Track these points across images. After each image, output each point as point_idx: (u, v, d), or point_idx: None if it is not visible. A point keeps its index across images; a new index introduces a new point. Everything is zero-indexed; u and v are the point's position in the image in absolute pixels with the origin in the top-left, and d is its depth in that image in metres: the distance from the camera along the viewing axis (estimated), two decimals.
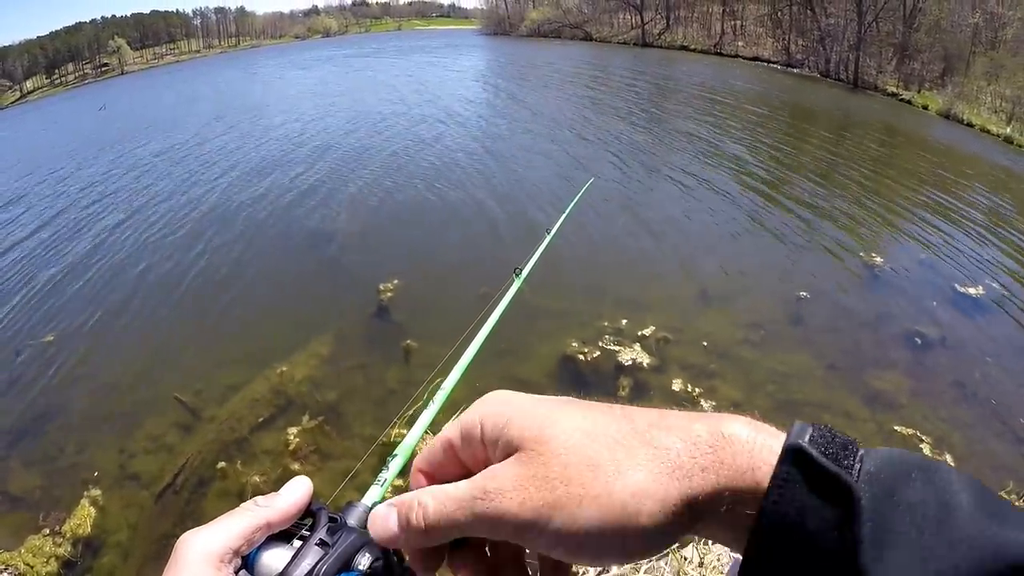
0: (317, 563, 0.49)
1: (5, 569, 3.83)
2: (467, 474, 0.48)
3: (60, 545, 4.01)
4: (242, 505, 0.52)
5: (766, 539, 0.38)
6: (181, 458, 4.61)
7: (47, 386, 5.90)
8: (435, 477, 0.52)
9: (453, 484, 0.46)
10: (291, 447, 4.58)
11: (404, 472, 0.65)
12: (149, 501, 4.32)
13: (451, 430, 0.50)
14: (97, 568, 3.90)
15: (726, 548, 0.41)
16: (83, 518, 4.20)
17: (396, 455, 0.77)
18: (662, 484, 0.40)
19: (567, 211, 2.84)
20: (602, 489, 0.40)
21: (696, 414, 0.44)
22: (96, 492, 4.43)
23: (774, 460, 0.39)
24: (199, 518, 3.95)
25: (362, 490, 0.67)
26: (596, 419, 0.44)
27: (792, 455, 0.38)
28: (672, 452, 0.41)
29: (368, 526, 0.50)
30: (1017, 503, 4.09)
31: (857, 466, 0.38)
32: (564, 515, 0.40)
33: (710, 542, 2.75)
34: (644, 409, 0.45)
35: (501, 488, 0.42)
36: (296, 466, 4.39)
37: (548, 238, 2.22)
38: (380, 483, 0.69)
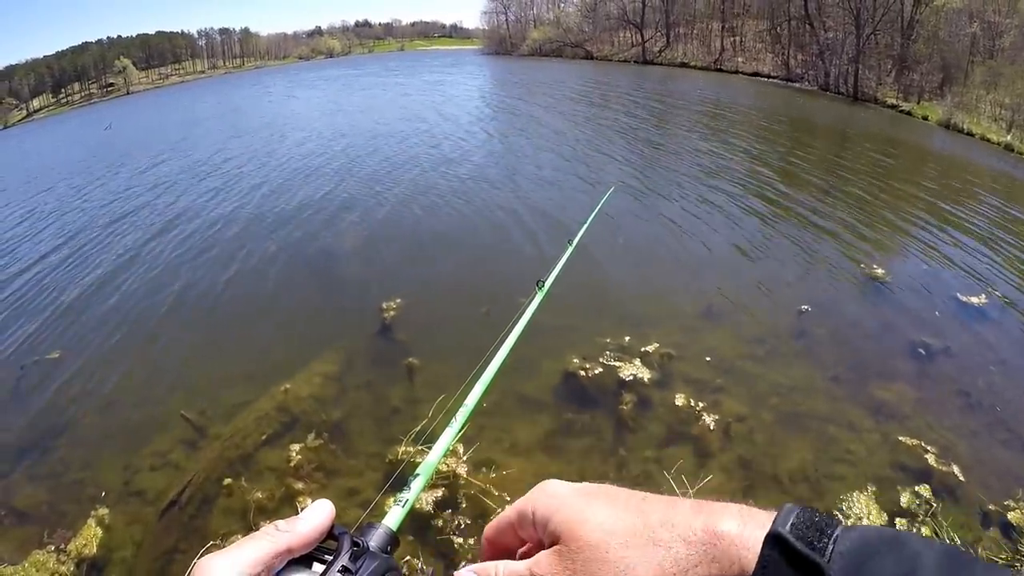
0: None
1: None
2: (522, 543, 0.60)
3: (64, 561, 3.98)
4: (262, 529, 0.52)
5: None
6: (186, 475, 4.59)
7: (52, 402, 5.90)
8: (495, 544, 0.62)
9: (517, 562, 0.56)
10: (296, 465, 4.56)
11: (423, 490, 0.66)
12: (154, 518, 4.30)
13: (511, 512, 0.59)
14: None
15: None
16: (87, 534, 4.18)
17: (418, 475, 0.76)
18: None
19: (588, 221, 2.83)
20: None
21: (699, 506, 0.51)
22: (101, 508, 4.40)
23: (759, 548, 0.45)
24: (204, 535, 3.95)
25: (367, 505, 0.67)
26: (617, 516, 0.52)
27: (772, 541, 0.44)
28: (672, 551, 0.48)
29: None
30: None
31: (831, 547, 0.43)
32: None
33: None
34: (658, 500, 0.53)
35: (543, 575, 0.52)
36: (300, 484, 4.37)
37: (570, 249, 2.20)
38: (401, 503, 0.70)
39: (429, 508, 4.02)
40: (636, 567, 0.48)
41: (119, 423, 5.48)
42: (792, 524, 0.45)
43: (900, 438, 4.71)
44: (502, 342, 1.29)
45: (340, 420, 5.08)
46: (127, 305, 7.81)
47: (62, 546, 4.10)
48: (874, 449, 4.66)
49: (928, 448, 4.59)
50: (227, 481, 4.48)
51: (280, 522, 0.53)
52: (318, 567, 0.52)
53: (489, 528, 0.62)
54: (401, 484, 0.74)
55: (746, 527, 0.47)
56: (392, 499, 0.70)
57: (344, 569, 0.51)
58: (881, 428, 4.88)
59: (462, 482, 4.24)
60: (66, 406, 5.81)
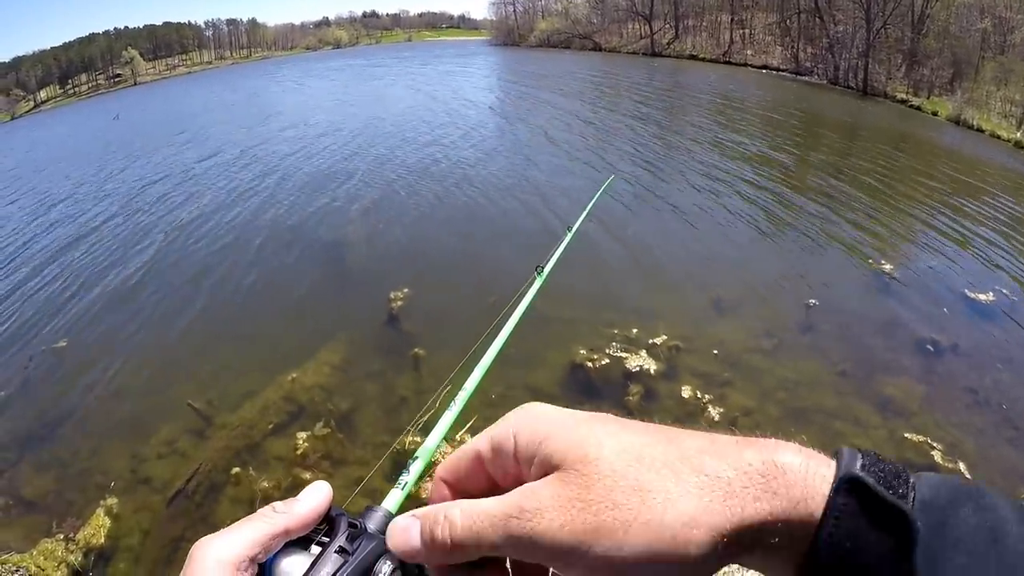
0: (336, 571, 0.48)
1: (17, 571, 3.84)
2: (493, 489, 0.47)
3: (71, 549, 4.02)
4: (259, 511, 0.50)
5: (821, 570, 0.38)
6: (193, 464, 4.62)
7: (60, 391, 5.95)
8: (458, 489, 0.50)
9: (485, 500, 0.44)
10: (303, 454, 4.59)
11: (424, 476, 0.64)
12: (161, 506, 4.33)
13: (480, 441, 0.48)
14: (107, 571, 3.91)
15: None
16: (95, 523, 4.21)
17: (417, 458, 0.75)
18: (714, 513, 0.39)
19: (588, 208, 2.84)
20: (651, 516, 0.39)
21: (746, 440, 0.43)
22: (108, 497, 4.44)
23: (827, 489, 0.39)
24: (211, 523, 3.98)
25: (374, 495, 0.67)
26: (643, 441, 0.42)
27: (849, 485, 0.38)
28: (723, 480, 0.40)
29: (387, 538, 0.49)
30: None
31: (912, 495, 0.38)
32: (609, 542, 0.39)
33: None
34: (692, 432, 0.44)
35: (540, 508, 0.40)
36: (308, 474, 4.39)
37: (569, 235, 2.22)
38: (401, 486, 0.67)
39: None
40: (679, 498, 0.39)
41: (126, 412, 5.51)
42: (863, 466, 0.39)
43: (906, 434, 4.71)
44: (501, 326, 1.28)
45: (347, 410, 5.10)
46: (134, 295, 7.84)
47: (70, 535, 4.13)
48: (880, 445, 4.65)
49: (934, 445, 4.59)
50: (234, 470, 4.51)
51: (277, 503, 0.51)
52: (315, 549, 0.52)
53: (442, 468, 0.51)
54: (401, 468, 0.74)
55: (811, 462, 0.40)
56: (392, 483, 0.69)
57: (341, 549, 0.50)
58: (888, 424, 4.88)
59: None
60: (73, 395, 5.85)
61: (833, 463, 0.40)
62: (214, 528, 0.49)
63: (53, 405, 5.74)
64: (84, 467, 4.86)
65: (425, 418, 4.55)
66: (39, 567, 3.88)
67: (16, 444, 5.28)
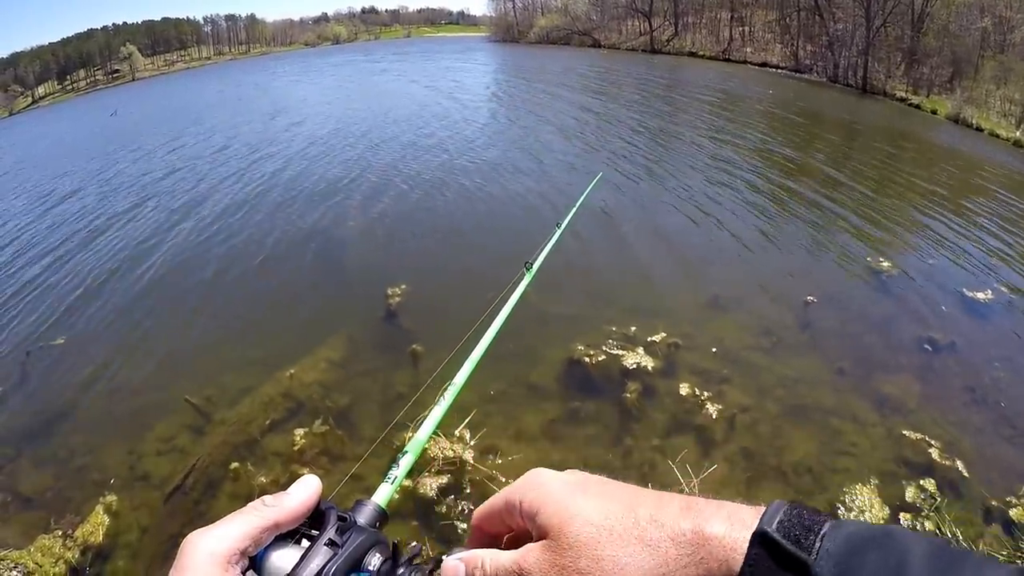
0: (326, 564, 0.49)
1: (15, 567, 3.84)
2: (510, 530, 0.59)
3: (69, 545, 4.01)
4: (250, 505, 0.52)
5: None
6: (191, 460, 4.62)
7: (57, 388, 5.94)
8: (484, 530, 0.61)
9: (506, 552, 0.54)
10: (300, 449, 4.59)
11: (413, 471, 0.65)
12: (159, 502, 4.33)
13: (500, 499, 0.59)
14: (106, 568, 3.91)
15: None
16: (93, 519, 4.21)
17: (407, 452, 0.76)
18: None
19: (577, 205, 2.85)
20: None
21: (687, 508, 0.50)
22: (106, 493, 4.43)
23: (746, 548, 0.45)
24: (209, 519, 3.91)
25: (369, 491, 0.67)
26: (607, 511, 0.51)
27: (759, 540, 0.45)
28: (661, 551, 0.48)
29: (440, 572, 0.56)
30: None
31: (818, 545, 0.43)
32: None
33: None
34: (650, 495, 0.53)
35: (531, 568, 0.51)
36: (305, 470, 4.39)
37: (559, 232, 2.23)
38: (390, 480, 0.70)
39: (433, 494, 4.05)
40: (625, 566, 0.48)
41: (124, 409, 5.50)
42: (780, 522, 0.45)
43: (904, 432, 4.71)
44: (490, 322, 1.29)
45: (345, 406, 5.10)
46: (131, 291, 7.83)
47: (68, 531, 4.12)
48: (878, 443, 4.66)
49: (932, 443, 4.59)
50: (232, 466, 4.51)
51: (267, 497, 0.53)
52: (306, 542, 0.52)
53: (478, 514, 0.62)
54: (391, 462, 0.74)
55: (733, 528, 0.47)
56: (382, 477, 0.71)
57: (331, 542, 0.51)
58: (885, 422, 4.88)
59: (469, 468, 4.27)
60: (71, 392, 5.84)
61: (757, 520, 0.46)
62: (211, 523, 0.49)
63: (50, 402, 5.73)
64: (82, 463, 4.86)
65: (425, 414, 4.56)
66: (37, 564, 3.87)
67: (14, 441, 5.27)
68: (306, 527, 0.54)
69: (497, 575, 0.53)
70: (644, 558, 0.48)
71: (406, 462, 0.77)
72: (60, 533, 4.11)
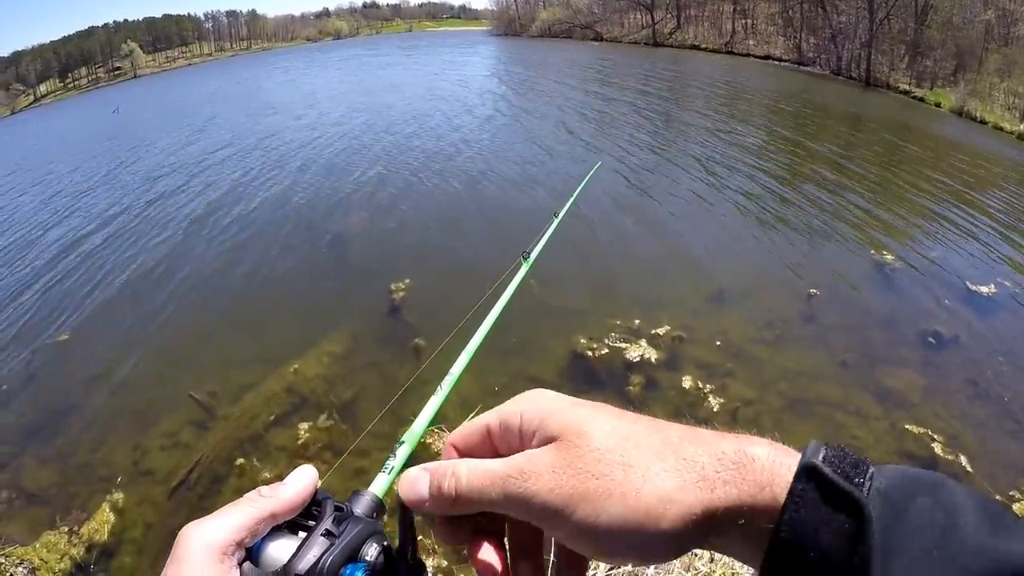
0: (323, 554, 0.48)
1: (20, 563, 3.86)
2: (495, 457, 0.50)
3: (74, 541, 4.04)
4: (245, 496, 0.51)
5: (782, 552, 0.40)
6: (195, 455, 4.64)
7: (61, 384, 5.97)
8: (466, 455, 0.53)
9: (489, 460, 0.48)
10: (304, 443, 4.62)
11: (410, 461, 0.64)
12: (163, 497, 4.36)
13: (490, 417, 0.52)
14: (110, 563, 3.93)
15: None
16: (98, 514, 4.23)
17: (403, 442, 0.75)
18: (687, 492, 0.42)
19: (575, 194, 2.85)
20: (630, 488, 0.42)
21: (723, 433, 0.46)
22: (110, 488, 4.46)
23: (790, 478, 0.41)
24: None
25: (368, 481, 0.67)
26: (632, 426, 0.46)
27: (806, 473, 0.40)
28: (698, 464, 0.43)
29: (397, 487, 0.52)
30: None
31: (867, 483, 0.40)
32: (590, 507, 0.42)
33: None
34: (676, 424, 0.47)
35: (535, 470, 0.45)
36: (308, 463, 4.40)
37: (556, 221, 2.22)
38: (387, 471, 0.68)
39: None
40: (657, 475, 0.43)
41: (128, 404, 5.53)
42: (825, 457, 0.41)
43: (907, 426, 4.71)
44: (487, 312, 1.27)
45: (349, 400, 5.12)
46: (134, 288, 7.84)
47: (73, 527, 4.15)
48: (881, 436, 4.66)
49: (935, 436, 4.60)
50: (237, 461, 4.54)
51: (263, 488, 0.52)
52: (303, 533, 0.52)
53: (455, 435, 0.55)
54: (388, 453, 0.74)
55: (777, 454, 0.43)
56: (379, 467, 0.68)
57: (327, 532, 0.50)
58: (888, 415, 4.89)
59: None
60: (75, 388, 5.87)
61: (799, 456, 0.43)
62: None
63: (55, 398, 5.76)
64: (86, 460, 4.88)
65: (412, 401, 4.58)
66: (42, 560, 3.89)
67: (19, 438, 5.29)
68: (303, 518, 0.53)
69: (480, 485, 0.47)
70: (679, 468, 0.43)
71: (403, 452, 0.75)
72: (65, 529, 4.14)
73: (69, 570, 3.87)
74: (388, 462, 0.71)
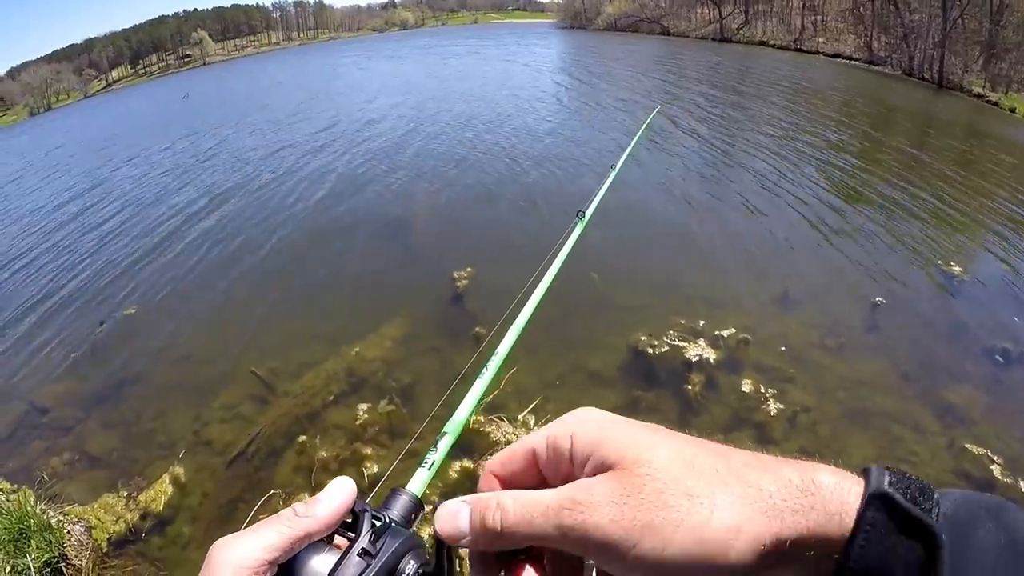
0: None
1: (78, 522, 4.00)
2: (543, 487, 0.47)
3: (131, 505, 4.16)
4: (281, 513, 0.50)
5: None
6: (254, 428, 4.75)
7: (127, 355, 6.19)
8: (508, 484, 0.52)
9: (537, 491, 0.46)
10: (363, 424, 4.68)
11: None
12: (221, 468, 4.47)
13: (536, 439, 0.50)
14: (166, 528, 4.05)
15: None
16: (155, 481, 4.36)
17: (446, 433, 0.72)
18: (755, 523, 0.41)
19: (632, 144, 2.79)
20: (698, 520, 0.41)
21: (784, 459, 0.45)
22: (170, 457, 4.61)
23: (859, 505, 0.40)
24: (268, 487, 4.09)
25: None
26: (694, 451, 0.45)
27: (877, 500, 0.40)
28: (765, 492, 0.42)
29: (435, 521, 0.49)
30: None
31: (936, 509, 0.40)
32: (656, 540, 0.41)
33: None
34: (735, 448, 0.46)
35: (593, 501, 0.42)
36: (365, 446, 4.46)
37: (613, 174, 2.18)
38: (427, 465, 0.67)
39: None
40: (722, 506, 0.41)
41: (190, 377, 5.70)
42: (892, 482, 0.41)
43: (966, 444, 4.54)
44: (541, 277, 1.23)
45: (407, 383, 5.16)
46: (202, 264, 8.10)
47: (132, 492, 4.29)
48: (939, 453, 4.51)
49: (994, 458, 4.41)
50: (293, 437, 4.64)
51: (299, 506, 0.51)
52: (338, 540, 0.52)
53: (494, 461, 0.53)
54: (430, 445, 0.71)
55: (843, 481, 0.42)
56: (419, 461, 0.67)
57: (364, 552, 0.49)
58: (948, 431, 4.72)
59: None
60: (139, 359, 6.09)
61: (863, 482, 0.42)
62: (270, 491, 0.48)
63: (120, 368, 5.98)
64: (148, 428, 5.05)
65: (488, 399, 4.60)
66: (99, 519, 4.03)
67: (84, 404, 5.51)
68: (341, 530, 0.52)
69: (529, 519, 0.44)
70: (746, 498, 0.42)
71: (444, 444, 0.72)
72: (124, 493, 4.29)
73: (124, 532, 3.99)
74: (428, 456, 0.68)
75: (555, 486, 0.46)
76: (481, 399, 0.84)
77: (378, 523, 0.52)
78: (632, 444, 0.45)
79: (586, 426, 0.48)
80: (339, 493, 0.53)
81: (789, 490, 0.42)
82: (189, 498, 4.27)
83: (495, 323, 1.06)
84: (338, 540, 0.52)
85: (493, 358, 0.92)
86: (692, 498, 0.41)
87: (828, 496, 0.41)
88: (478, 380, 0.86)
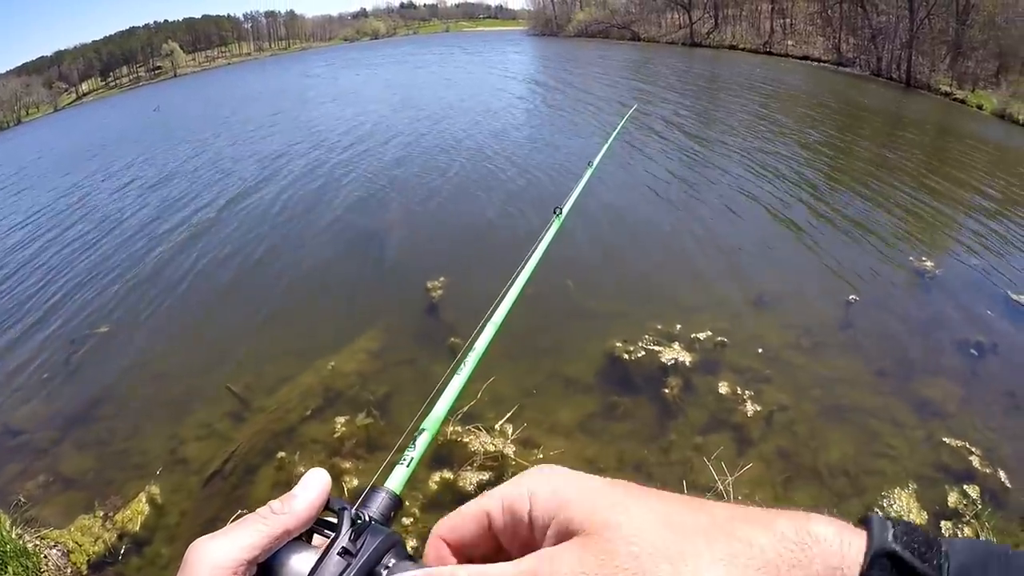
0: None
1: (55, 546, 3.93)
2: (498, 555, 0.44)
3: (108, 526, 4.10)
4: (258, 511, 0.48)
5: None
6: (231, 446, 4.71)
7: (101, 374, 6.10)
8: (459, 551, 0.47)
9: (495, 565, 0.41)
10: (340, 438, 4.65)
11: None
12: (198, 486, 4.42)
13: (490, 501, 0.45)
14: (144, 549, 3.99)
15: None
16: (132, 501, 4.30)
17: (424, 430, 0.72)
18: None
19: (609, 142, 2.81)
20: None
21: (775, 511, 0.40)
22: (146, 476, 4.55)
23: (861, 560, 0.36)
24: (247, 504, 4.04)
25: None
26: (670, 508, 0.40)
27: (885, 559, 0.36)
28: (757, 547, 0.37)
29: None
30: None
31: (946, 564, 0.36)
32: None
33: None
34: (720, 502, 0.41)
35: (559, 574, 0.37)
36: (343, 460, 4.43)
37: (590, 171, 2.19)
38: (406, 462, 0.65)
39: (472, 488, 4.07)
40: (711, 568, 0.36)
41: (165, 395, 5.63)
42: (895, 535, 0.37)
43: (944, 437, 4.60)
44: (519, 272, 1.22)
45: (383, 395, 5.14)
46: (174, 282, 7.99)
47: (108, 513, 4.23)
48: (916, 446, 4.57)
49: (972, 449, 4.48)
50: (271, 453, 4.59)
51: (274, 503, 0.49)
52: (319, 539, 0.51)
53: (443, 525, 0.47)
54: (409, 442, 0.71)
55: (843, 533, 0.38)
56: (398, 458, 0.66)
57: (344, 551, 0.48)
58: (925, 425, 4.78)
59: (512, 463, 4.28)
60: (113, 378, 6.00)
61: (864, 533, 0.38)
62: (250, 509, 0.48)
63: (93, 387, 5.89)
64: (123, 447, 4.98)
65: (465, 409, 4.59)
66: (76, 543, 3.97)
67: (58, 424, 5.42)
68: (320, 528, 0.51)
69: None
70: (736, 557, 0.37)
71: (423, 441, 0.71)
72: (100, 514, 4.22)
73: (102, 554, 3.93)
74: (407, 452, 0.67)
75: (512, 555, 0.42)
76: (459, 395, 0.83)
77: (358, 521, 0.50)
78: (601, 505, 0.40)
79: (547, 486, 0.43)
80: (314, 485, 0.51)
81: (784, 543, 0.37)
82: (166, 518, 4.21)
83: (471, 328, 1.05)
84: (318, 539, 0.51)
85: (471, 354, 0.91)
86: (675, 561, 0.36)
87: (828, 549, 0.37)
88: (456, 377, 0.85)
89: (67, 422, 5.44)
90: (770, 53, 39.49)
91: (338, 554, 0.47)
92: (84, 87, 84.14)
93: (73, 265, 9.20)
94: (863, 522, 0.39)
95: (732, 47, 42.89)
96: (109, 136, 25.39)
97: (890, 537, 0.37)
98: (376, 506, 0.56)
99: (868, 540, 0.37)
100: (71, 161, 20.10)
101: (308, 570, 0.47)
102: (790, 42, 39.85)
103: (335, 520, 0.51)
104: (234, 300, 7.31)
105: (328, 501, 0.52)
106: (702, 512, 0.40)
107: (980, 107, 22.53)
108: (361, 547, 0.48)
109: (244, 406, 5.22)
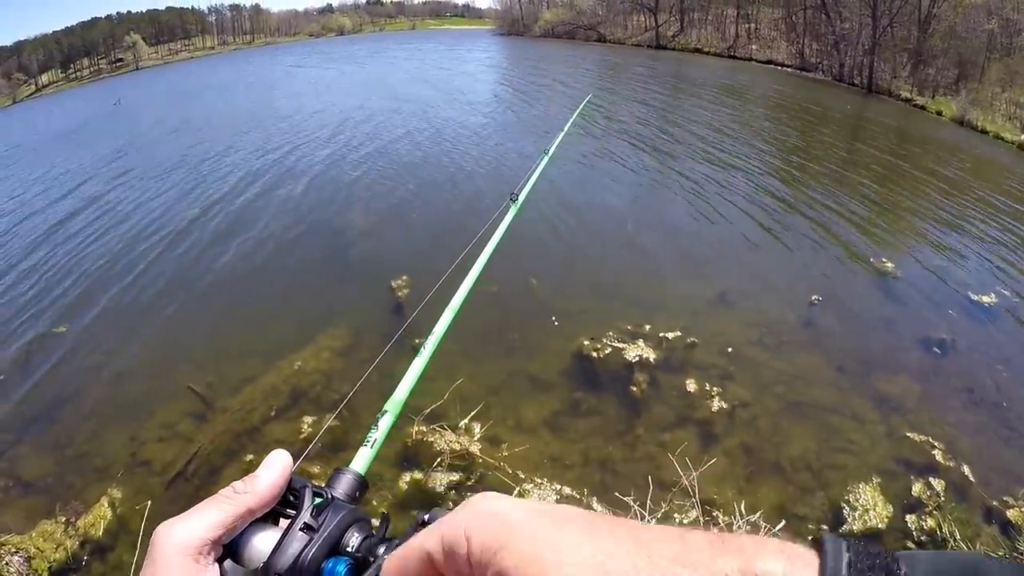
0: (302, 551, 0.47)
1: (16, 552, 3.84)
2: None
3: (70, 532, 4.02)
4: (220, 492, 0.50)
5: None
6: (193, 446, 4.63)
7: (59, 376, 5.94)
8: None
9: None
10: (304, 437, 4.61)
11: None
12: (161, 488, 4.34)
13: (430, 540, 0.42)
14: (107, 554, 3.92)
15: None
16: (94, 504, 4.22)
17: (386, 411, 0.72)
18: None
19: (565, 129, 2.84)
20: None
21: (722, 542, 0.37)
22: (108, 479, 4.45)
23: None
24: None
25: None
26: (609, 549, 0.37)
27: None
28: None
29: None
30: None
31: None
32: None
33: None
34: (663, 532, 0.38)
35: None
36: (316, 468, 4.39)
37: (546, 158, 2.22)
38: (369, 444, 0.67)
39: (442, 488, 4.07)
40: None
41: (126, 396, 5.51)
42: (850, 563, 0.33)
43: (904, 432, 4.72)
44: (475, 258, 1.23)
45: (347, 394, 5.09)
46: (133, 281, 7.80)
47: (70, 517, 4.14)
48: (878, 441, 4.68)
49: (932, 442, 4.60)
50: (235, 453, 4.54)
51: (237, 483, 0.50)
52: (283, 523, 0.51)
53: (392, 564, 0.45)
54: (370, 424, 0.71)
55: (794, 567, 0.34)
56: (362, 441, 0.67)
57: (306, 527, 0.48)
58: (886, 420, 4.89)
59: (479, 460, 4.29)
60: (72, 379, 5.85)
61: (816, 560, 0.34)
62: None
63: (52, 389, 5.74)
64: (84, 450, 4.87)
65: (429, 409, 4.57)
66: (38, 549, 3.88)
67: (16, 427, 5.28)
68: (283, 505, 0.52)
69: None
70: None
71: (385, 423, 0.72)
72: (62, 519, 4.12)
73: (65, 560, 3.85)
74: (370, 434, 0.68)
75: None
76: (420, 376, 0.84)
77: (320, 499, 0.52)
78: (535, 555, 0.37)
79: (483, 524, 0.40)
80: (275, 465, 0.52)
81: None
82: (130, 521, 4.12)
83: (432, 316, 1.05)
84: (283, 522, 0.52)
85: (430, 338, 0.93)
86: None
87: None
88: (416, 359, 0.86)
89: (24, 424, 5.30)
90: (734, 57, 40.01)
91: (300, 530, 0.48)
92: (44, 79, 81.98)
93: (22, 266, 8.94)
94: (816, 545, 0.36)
95: (697, 50, 43.32)
96: (68, 127, 24.76)
97: (844, 565, 0.33)
98: (340, 486, 0.57)
99: (821, 570, 0.34)
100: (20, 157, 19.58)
101: (271, 547, 0.48)
102: (754, 46, 40.41)
103: (298, 503, 0.52)
104: (195, 299, 7.17)
105: (291, 481, 0.53)
106: (642, 551, 0.36)
107: (940, 113, 23.12)
108: (323, 522, 0.49)
109: (207, 406, 5.13)
